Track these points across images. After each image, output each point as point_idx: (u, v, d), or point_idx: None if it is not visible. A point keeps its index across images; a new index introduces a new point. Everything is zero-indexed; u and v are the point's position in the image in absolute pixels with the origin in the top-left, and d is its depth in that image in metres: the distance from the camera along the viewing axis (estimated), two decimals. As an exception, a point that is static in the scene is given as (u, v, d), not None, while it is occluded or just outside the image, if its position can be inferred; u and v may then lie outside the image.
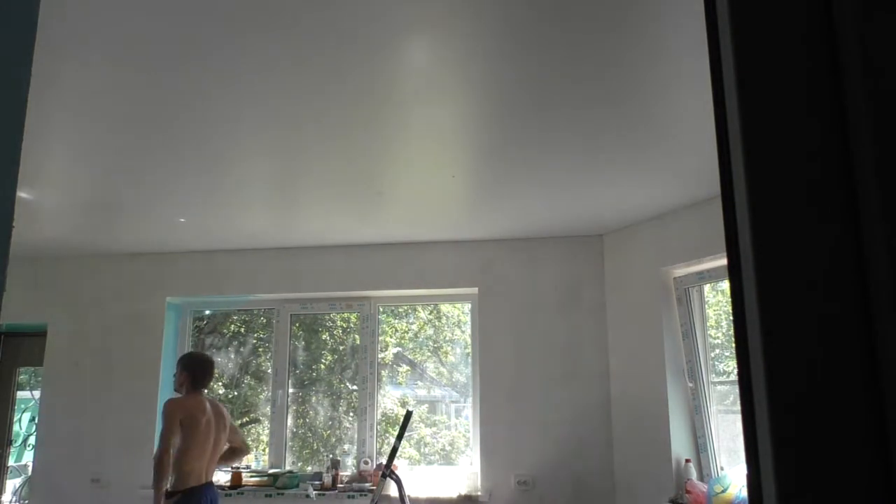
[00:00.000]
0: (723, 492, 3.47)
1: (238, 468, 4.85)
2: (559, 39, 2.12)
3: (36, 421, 5.35)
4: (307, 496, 4.54)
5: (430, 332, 5.38)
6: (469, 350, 4.97)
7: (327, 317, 5.35)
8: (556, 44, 2.14)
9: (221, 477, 4.85)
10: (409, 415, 4.05)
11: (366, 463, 4.79)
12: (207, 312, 5.49)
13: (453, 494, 4.50)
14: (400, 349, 5.30)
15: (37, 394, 5.55)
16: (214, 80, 2.37)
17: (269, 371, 5.19)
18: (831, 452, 0.50)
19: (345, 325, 5.37)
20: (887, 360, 0.49)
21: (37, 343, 5.23)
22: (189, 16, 1.97)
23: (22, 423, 7.50)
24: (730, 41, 0.56)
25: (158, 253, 5.07)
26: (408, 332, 5.37)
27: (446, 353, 5.33)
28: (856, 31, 0.53)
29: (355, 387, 5.05)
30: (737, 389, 0.70)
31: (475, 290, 4.79)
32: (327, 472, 4.68)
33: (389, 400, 5.18)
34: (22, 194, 3.60)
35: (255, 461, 5.10)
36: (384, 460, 4.28)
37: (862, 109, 0.52)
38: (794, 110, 0.54)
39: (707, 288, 4.16)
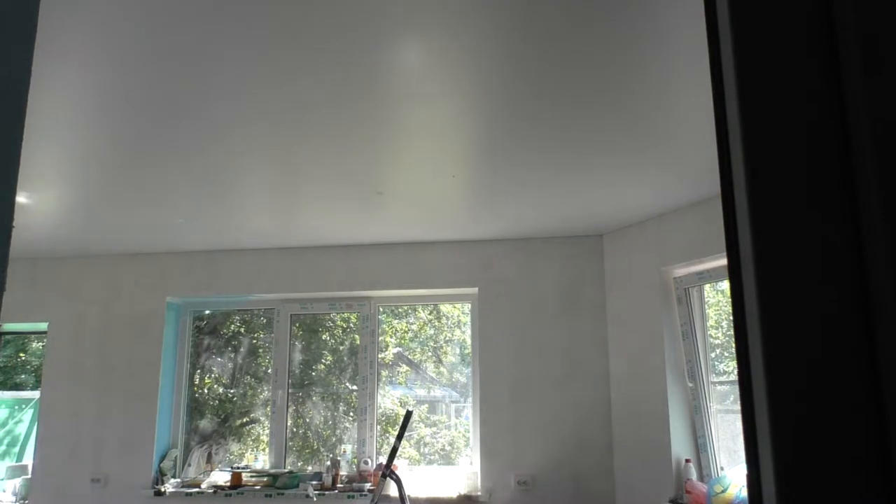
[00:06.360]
0: (723, 492, 3.47)
1: (238, 468, 4.85)
2: (559, 38, 2.12)
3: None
4: (307, 496, 4.54)
5: (430, 332, 5.37)
6: (469, 350, 4.98)
7: (327, 317, 5.35)
8: (557, 42, 2.14)
9: (221, 477, 4.85)
10: (409, 415, 4.05)
11: (366, 463, 4.79)
12: (207, 312, 5.49)
13: (453, 494, 4.50)
14: (400, 349, 5.30)
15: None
16: (213, 80, 2.37)
17: (269, 371, 5.19)
18: (831, 452, 0.50)
19: (345, 326, 5.36)
20: (887, 359, 0.49)
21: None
22: (188, 18, 1.97)
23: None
24: (730, 41, 0.56)
25: (158, 253, 5.07)
26: (408, 333, 5.37)
27: (446, 353, 5.32)
28: (856, 31, 0.53)
29: (355, 387, 5.05)
30: (737, 389, 0.70)
31: (475, 290, 4.79)
32: (327, 473, 4.68)
33: (389, 400, 5.17)
34: (21, 195, 3.60)
35: (255, 461, 5.10)
36: (384, 460, 4.28)
37: (862, 107, 0.52)
38: (795, 110, 0.54)
39: (707, 288, 4.16)
